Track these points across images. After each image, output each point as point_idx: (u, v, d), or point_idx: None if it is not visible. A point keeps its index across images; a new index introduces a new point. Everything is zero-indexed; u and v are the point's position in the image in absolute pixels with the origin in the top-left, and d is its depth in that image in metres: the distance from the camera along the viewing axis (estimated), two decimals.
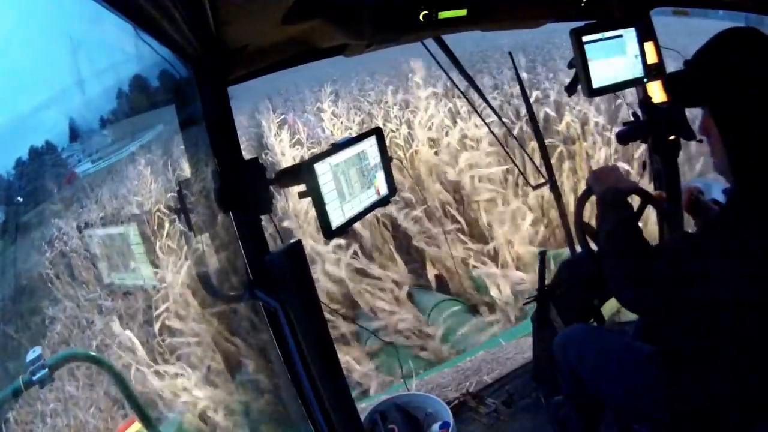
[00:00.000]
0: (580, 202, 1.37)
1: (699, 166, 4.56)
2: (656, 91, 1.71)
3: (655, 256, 0.92)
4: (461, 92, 2.31)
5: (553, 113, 6.06)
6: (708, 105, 0.90)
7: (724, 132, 0.89)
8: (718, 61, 0.88)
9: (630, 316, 2.13)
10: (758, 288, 0.82)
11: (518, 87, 2.31)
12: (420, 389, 2.40)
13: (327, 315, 1.10)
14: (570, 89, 1.62)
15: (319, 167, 1.06)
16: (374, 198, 1.23)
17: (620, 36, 1.56)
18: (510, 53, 2.29)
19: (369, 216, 1.51)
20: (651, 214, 1.61)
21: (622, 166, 4.98)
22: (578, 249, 1.51)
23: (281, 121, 8.28)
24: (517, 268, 5.11)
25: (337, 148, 1.12)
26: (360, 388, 4.28)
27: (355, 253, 5.52)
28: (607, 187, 1.15)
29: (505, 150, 2.59)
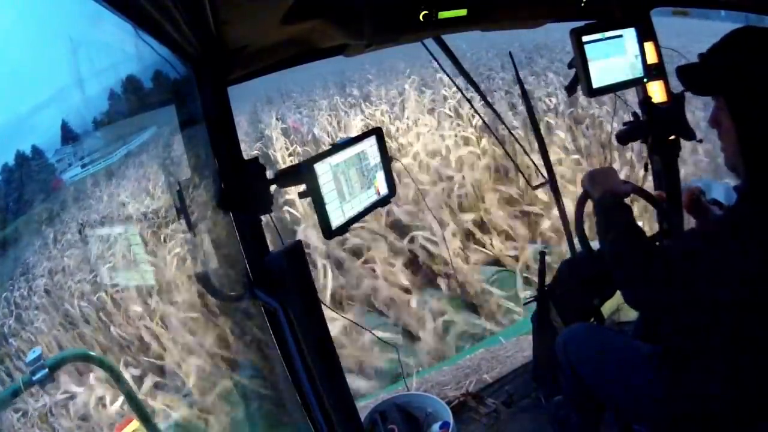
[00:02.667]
0: (580, 202, 1.37)
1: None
2: (656, 91, 1.71)
3: (663, 255, 0.92)
4: (461, 92, 2.31)
5: None
6: (724, 95, 0.89)
7: (739, 125, 0.87)
8: (735, 55, 0.87)
9: (630, 316, 2.13)
10: (760, 288, 0.82)
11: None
12: (420, 387, 2.38)
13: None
14: (570, 89, 1.62)
15: (319, 167, 1.06)
16: (374, 198, 1.23)
17: (620, 36, 1.56)
18: (510, 53, 2.29)
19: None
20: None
21: None
22: (578, 249, 1.51)
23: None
24: None
25: (337, 148, 1.12)
26: None
27: None
28: (606, 189, 1.15)
29: (504, 150, 2.59)
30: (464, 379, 2.27)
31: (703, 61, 0.92)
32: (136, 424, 1.54)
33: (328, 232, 1.07)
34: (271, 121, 8.83)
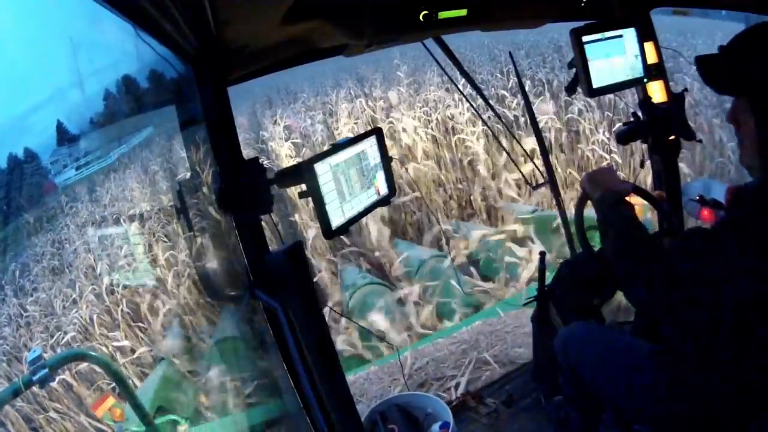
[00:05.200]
0: (580, 202, 1.37)
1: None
2: (656, 91, 1.71)
3: (666, 254, 0.91)
4: (461, 92, 2.31)
5: None
6: (748, 94, 0.87)
7: (762, 126, 0.85)
8: (758, 53, 0.85)
9: (629, 315, 2.13)
10: (762, 287, 0.82)
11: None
12: (414, 363, 2.26)
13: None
14: (570, 89, 1.62)
15: (319, 167, 1.06)
16: (374, 198, 1.23)
17: (620, 36, 1.56)
18: (510, 53, 2.29)
19: None
20: None
21: None
22: (578, 249, 1.51)
23: None
24: None
25: (337, 148, 1.12)
26: None
27: None
28: (606, 189, 1.14)
29: (504, 149, 2.59)
30: (462, 356, 2.16)
31: (725, 55, 0.90)
32: (112, 400, 1.54)
33: (328, 232, 1.07)
34: (276, 129, 7.68)
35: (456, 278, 4.04)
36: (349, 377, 2.17)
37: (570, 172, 5.49)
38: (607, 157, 5.37)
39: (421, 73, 8.00)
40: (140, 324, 4.77)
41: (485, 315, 3.02)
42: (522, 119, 6.21)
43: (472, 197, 6.09)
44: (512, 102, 6.54)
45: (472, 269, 4.48)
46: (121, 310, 4.83)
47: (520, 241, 4.63)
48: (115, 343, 4.57)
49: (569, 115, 5.94)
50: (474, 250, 4.86)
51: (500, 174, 5.88)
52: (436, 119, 6.68)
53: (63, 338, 4.72)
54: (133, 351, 4.53)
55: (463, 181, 6.29)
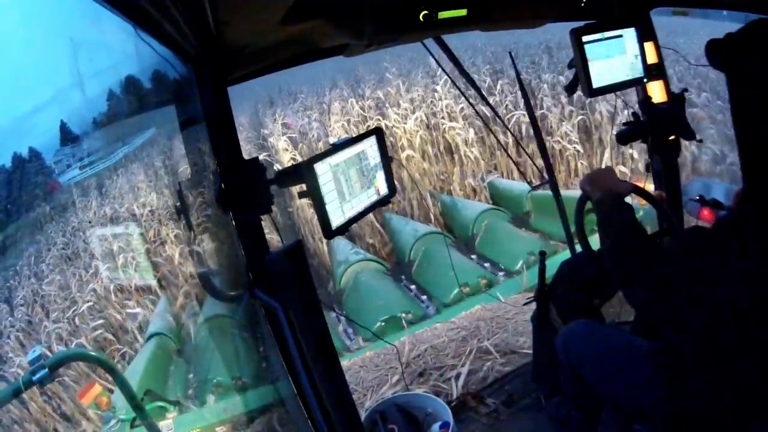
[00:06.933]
0: (581, 202, 1.37)
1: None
2: (656, 91, 1.71)
3: (664, 254, 0.92)
4: (461, 92, 2.31)
5: None
6: (727, 76, 0.88)
7: (735, 113, 0.87)
8: (751, 42, 0.87)
9: (629, 315, 2.13)
10: (760, 287, 0.82)
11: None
12: (411, 351, 2.17)
13: None
14: (570, 89, 1.62)
15: (319, 167, 1.06)
16: (374, 198, 1.24)
17: (620, 36, 1.56)
18: (510, 53, 2.30)
19: None
20: None
21: None
22: (578, 249, 1.51)
23: None
24: None
25: (337, 148, 1.12)
26: None
27: None
28: (605, 190, 1.14)
29: (504, 149, 2.59)
30: (462, 344, 2.07)
31: (728, 38, 0.91)
32: (99, 388, 1.53)
33: (328, 232, 1.07)
34: (275, 126, 8.18)
35: None
36: (344, 362, 2.11)
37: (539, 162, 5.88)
38: (570, 147, 5.95)
39: (413, 75, 8.63)
40: (150, 296, 5.34)
41: (484, 299, 2.93)
42: (501, 113, 6.75)
43: (451, 186, 6.66)
44: (490, 98, 7.01)
45: None
46: (134, 285, 5.35)
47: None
48: (128, 310, 5.15)
49: (541, 111, 6.43)
50: None
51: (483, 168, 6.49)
52: (420, 117, 7.23)
53: (81, 308, 5.20)
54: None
55: (444, 172, 6.85)
